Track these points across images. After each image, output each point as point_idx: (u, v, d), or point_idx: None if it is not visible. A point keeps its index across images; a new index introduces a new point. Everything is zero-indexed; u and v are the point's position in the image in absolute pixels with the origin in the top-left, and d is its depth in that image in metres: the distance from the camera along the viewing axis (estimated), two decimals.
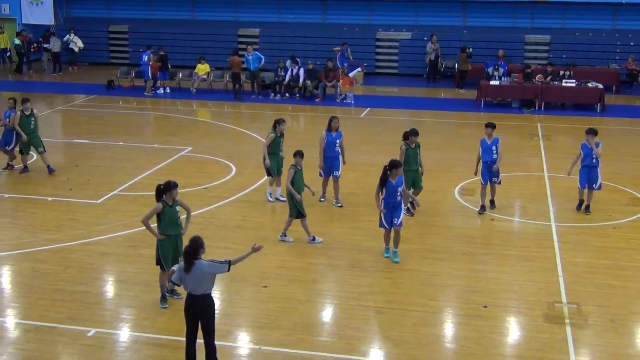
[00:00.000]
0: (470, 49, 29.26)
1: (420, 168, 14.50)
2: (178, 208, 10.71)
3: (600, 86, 25.77)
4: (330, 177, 15.32)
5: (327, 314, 10.93)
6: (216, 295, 10.24)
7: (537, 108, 25.68)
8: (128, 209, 14.85)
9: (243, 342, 10.06)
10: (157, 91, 28.29)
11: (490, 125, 14.82)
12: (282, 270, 12.22)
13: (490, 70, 27.97)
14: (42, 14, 34.18)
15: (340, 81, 27.41)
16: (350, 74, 29.06)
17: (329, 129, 15.11)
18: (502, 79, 26.84)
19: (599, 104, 25.48)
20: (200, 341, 9.01)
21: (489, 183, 14.85)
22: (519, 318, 10.74)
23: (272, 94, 27.51)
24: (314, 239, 13.28)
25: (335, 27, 32.89)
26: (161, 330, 10.23)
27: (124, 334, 10.26)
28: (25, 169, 17.42)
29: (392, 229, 12.44)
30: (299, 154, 13.27)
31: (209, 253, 9.04)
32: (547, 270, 12.24)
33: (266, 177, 15.67)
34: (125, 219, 14.31)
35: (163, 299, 10.88)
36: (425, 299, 11.22)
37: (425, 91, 29.58)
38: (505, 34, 31.49)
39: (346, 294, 11.37)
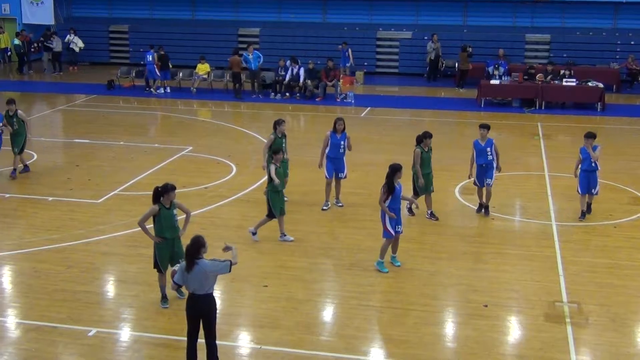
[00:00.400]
0: (471, 49, 29.26)
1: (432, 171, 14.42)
2: (176, 211, 10.62)
3: (601, 85, 25.78)
4: (333, 178, 15.27)
5: (327, 313, 10.94)
6: (217, 294, 10.21)
7: (537, 107, 25.69)
8: (129, 209, 14.84)
9: (244, 341, 10.05)
10: (158, 91, 28.32)
11: (485, 127, 14.52)
12: (282, 270, 12.22)
13: (490, 69, 27.98)
14: (43, 14, 34.19)
15: (341, 80, 27.41)
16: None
17: (334, 130, 14.90)
18: (503, 78, 26.85)
19: (599, 103, 25.48)
20: (201, 341, 9.00)
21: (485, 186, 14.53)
22: (519, 317, 10.73)
23: (273, 94, 27.51)
24: (254, 233, 13.26)
25: (336, 26, 32.91)
26: (162, 330, 10.22)
27: (125, 333, 10.26)
28: (26, 168, 17.45)
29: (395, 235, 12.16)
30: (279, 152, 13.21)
31: (210, 253, 9.03)
32: (547, 270, 12.23)
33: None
34: (126, 218, 14.31)
35: (164, 299, 10.86)
36: (425, 299, 11.22)
37: (425, 90, 29.55)
38: (506, 33, 31.48)
39: (347, 294, 11.37)
